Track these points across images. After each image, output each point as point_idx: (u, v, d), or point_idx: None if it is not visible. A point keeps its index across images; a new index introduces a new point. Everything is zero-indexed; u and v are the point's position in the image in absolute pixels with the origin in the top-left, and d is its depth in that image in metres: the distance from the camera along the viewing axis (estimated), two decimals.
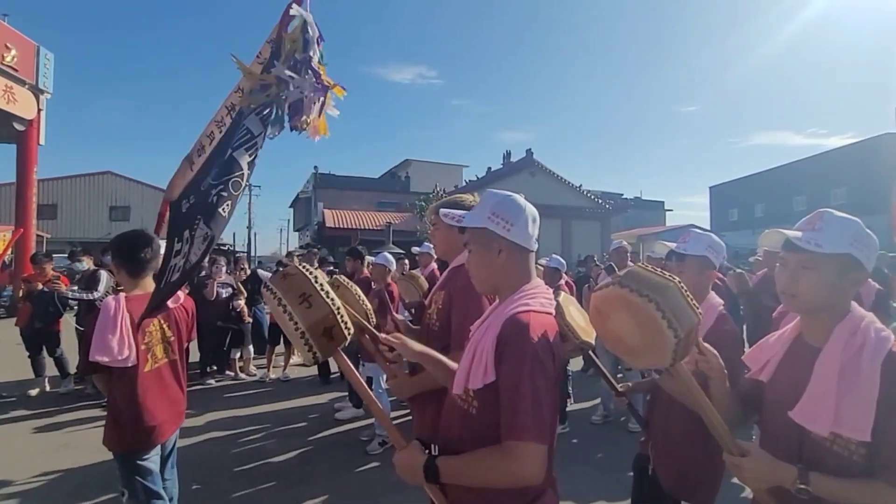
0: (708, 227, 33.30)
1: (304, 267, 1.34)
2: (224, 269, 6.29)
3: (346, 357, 1.37)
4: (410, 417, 4.42)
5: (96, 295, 5.34)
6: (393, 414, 4.66)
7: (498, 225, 1.20)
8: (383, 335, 1.53)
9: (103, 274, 5.54)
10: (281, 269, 2.22)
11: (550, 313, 1.22)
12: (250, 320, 6.44)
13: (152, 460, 2.19)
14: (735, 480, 1.23)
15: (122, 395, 2.10)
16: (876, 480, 1.06)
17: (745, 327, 4.29)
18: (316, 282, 1.30)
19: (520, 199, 1.26)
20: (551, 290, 1.28)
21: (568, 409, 4.79)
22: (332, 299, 1.30)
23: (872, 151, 24.23)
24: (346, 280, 2.11)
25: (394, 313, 2.44)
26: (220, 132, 2.43)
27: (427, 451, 1.20)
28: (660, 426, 1.90)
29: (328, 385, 6.07)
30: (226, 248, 32.37)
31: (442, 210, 1.44)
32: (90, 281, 5.42)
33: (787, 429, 1.20)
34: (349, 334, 1.33)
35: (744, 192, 34.63)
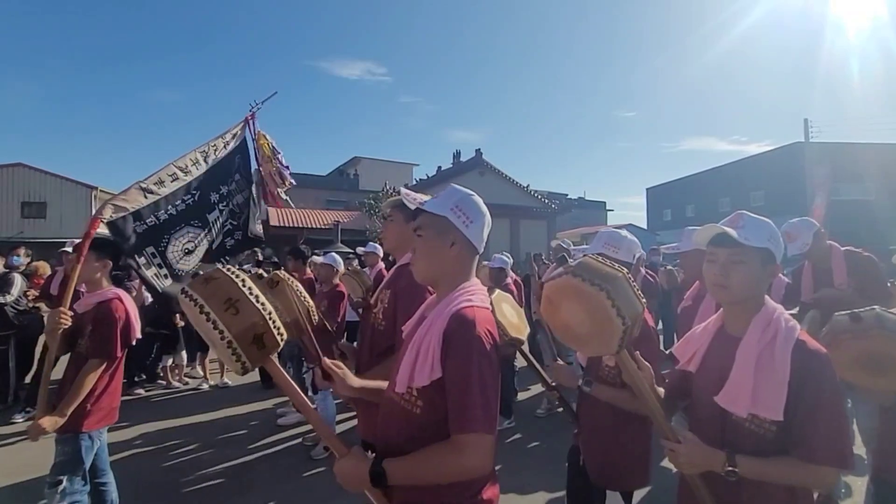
0: (645, 227, 35.32)
1: (228, 269, 1.24)
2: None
3: (278, 365, 1.28)
4: (356, 421, 4.34)
5: (8, 299, 4.85)
6: (339, 417, 4.54)
7: (459, 218, 1.23)
8: (326, 360, 1.46)
9: (17, 277, 5.03)
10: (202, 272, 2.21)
11: (489, 308, 1.25)
12: (182, 324, 6.04)
13: (97, 448, 2.39)
14: (664, 464, 1.29)
15: (106, 375, 2.36)
16: (789, 457, 1.17)
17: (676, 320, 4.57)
18: (244, 285, 1.20)
19: (482, 202, 1.30)
20: (486, 289, 1.30)
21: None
22: (263, 303, 1.21)
23: (785, 158, 26.70)
24: (287, 276, 2.01)
25: (338, 344, 2.31)
26: (185, 175, 2.89)
27: (371, 455, 1.16)
28: (587, 419, 1.96)
29: (271, 390, 5.80)
30: None
31: (404, 190, 1.41)
32: (2, 284, 4.90)
33: (711, 412, 1.29)
34: (282, 340, 1.24)
35: (676, 193, 37.03)
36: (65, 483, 2.21)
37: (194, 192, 2.95)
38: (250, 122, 3.38)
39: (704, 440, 1.23)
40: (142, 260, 2.65)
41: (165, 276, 2.75)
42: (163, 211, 2.77)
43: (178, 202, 2.86)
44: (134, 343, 2.48)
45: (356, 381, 1.39)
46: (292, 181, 3.60)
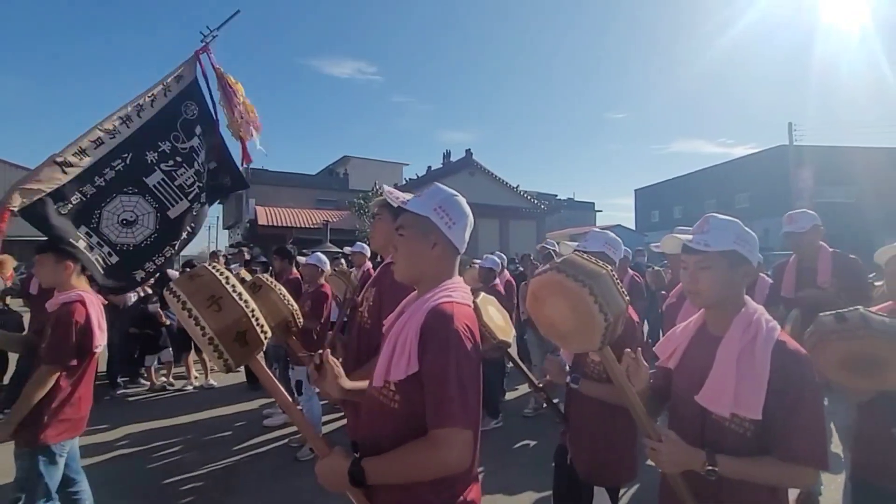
0: (633, 228, 35.66)
1: (213, 267, 1.23)
2: None
3: (263, 363, 1.27)
4: (345, 422, 4.31)
5: None
6: (326, 418, 4.51)
7: (441, 219, 1.22)
8: (328, 353, 1.39)
9: None
10: (188, 269, 2.10)
11: (470, 305, 1.24)
12: (168, 322, 5.94)
13: (62, 460, 2.20)
14: (650, 461, 1.30)
15: (68, 384, 2.18)
16: (768, 456, 1.18)
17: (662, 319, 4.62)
18: (227, 283, 1.20)
19: (465, 202, 1.29)
20: (469, 287, 1.30)
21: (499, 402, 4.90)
22: (246, 301, 1.21)
23: (769, 161, 27.12)
24: (269, 279, 1.99)
25: (336, 336, 2.28)
26: (114, 138, 2.46)
27: (354, 455, 1.16)
28: (575, 417, 1.98)
29: (257, 391, 5.74)
30: None
31: (386, 187, 1.40)
32: None
33: (692, 411, 1.30)
34: (266, 338, 1.24)
35: (664, 194, 37.43)
36: (23, 501, 2.07)
37: (124, 155, 2.47)
38: (203, 56, 2.70)
39: (685, 438, 1.24)
40: (81, 244, 2.30)
41: (109, 254, 2.42)
42: (89, 185, 2.36)
43: (107, 170, 2.42)
44: (97, 351, 2.25)
45: (347, 384, 1.36)
46: (259, 124, 2.94)
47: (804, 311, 2.58)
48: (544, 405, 2.41)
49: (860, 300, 2.39)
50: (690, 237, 1.31)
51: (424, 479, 1.10)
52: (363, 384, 1.37)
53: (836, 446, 2.94)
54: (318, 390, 3.89)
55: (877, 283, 3.07)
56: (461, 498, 1.16)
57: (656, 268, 5.17)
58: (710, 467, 1.17)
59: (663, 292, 4.64)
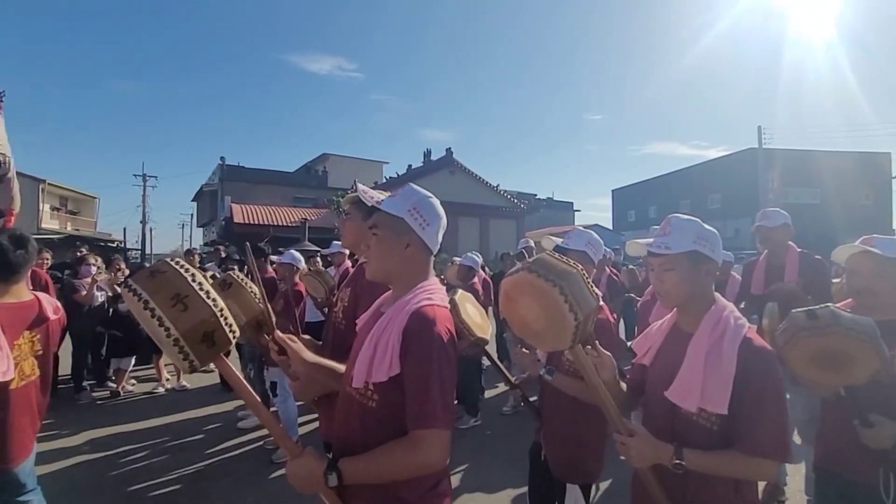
0: (610, 227, 36.26)
1: (177, 262, 1.18)
2: (94, 269, 5.42)
3: (228, 362, 1.24)
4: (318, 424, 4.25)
5: None
6: (303, 419, 4.44)
7: (416, 220, 1.23)
8: (278, 333, 1.44)
9: None
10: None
11: (448, 307, 1.26)
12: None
13: None
14: (622, 458, 1.32)
15: None
16: (733, 450, 1.21)
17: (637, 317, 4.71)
18: (193, 280, 1.15)
19: (439, 204, 1.31)
20: (444, 288, 1.31)
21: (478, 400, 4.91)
22: (214, 300, 1.16)
23: (740, 163, 27.99)
24: (240, 276, 1.94)
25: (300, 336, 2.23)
26: None
27: (328, 456, 1.16)
28: (549, 415, 2.01)
29: (231, 391, 5.62)
30: (115, 245, 28.66)
31: (360, 186, 1.39)
32: None
33: (663, 407, 1.33)
34: (234, 338, 1.20)
35: (640, 195, 38.23)
36: None
37: None
38: None
39: (656, 433, 1.26)
40: None
41: None
42: None
43: None
44: (3, 370, 1.81)
45: (310, 356, 1.38)
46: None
47: (780, 305, 2.65)
48: (522, 403, 2.43)
49: (823, 298, 2.47)
50: (651, 240, 1.34)
51: (404, 477, 1.12)
52: (327, 361, 1.41)
53: (796, 437, 3.05)
54: (292, 392, 3.84)
55: (834, 280, 3.18)
56: (433, 491, 1.18)
57: (630, 266, 5.28)
58: (677, 461, 1.20)
59: (627, 290, 4.75)
